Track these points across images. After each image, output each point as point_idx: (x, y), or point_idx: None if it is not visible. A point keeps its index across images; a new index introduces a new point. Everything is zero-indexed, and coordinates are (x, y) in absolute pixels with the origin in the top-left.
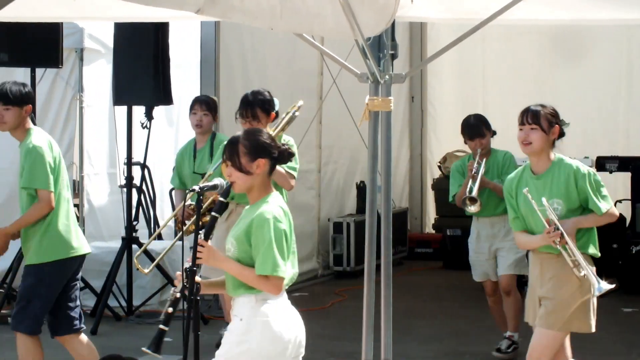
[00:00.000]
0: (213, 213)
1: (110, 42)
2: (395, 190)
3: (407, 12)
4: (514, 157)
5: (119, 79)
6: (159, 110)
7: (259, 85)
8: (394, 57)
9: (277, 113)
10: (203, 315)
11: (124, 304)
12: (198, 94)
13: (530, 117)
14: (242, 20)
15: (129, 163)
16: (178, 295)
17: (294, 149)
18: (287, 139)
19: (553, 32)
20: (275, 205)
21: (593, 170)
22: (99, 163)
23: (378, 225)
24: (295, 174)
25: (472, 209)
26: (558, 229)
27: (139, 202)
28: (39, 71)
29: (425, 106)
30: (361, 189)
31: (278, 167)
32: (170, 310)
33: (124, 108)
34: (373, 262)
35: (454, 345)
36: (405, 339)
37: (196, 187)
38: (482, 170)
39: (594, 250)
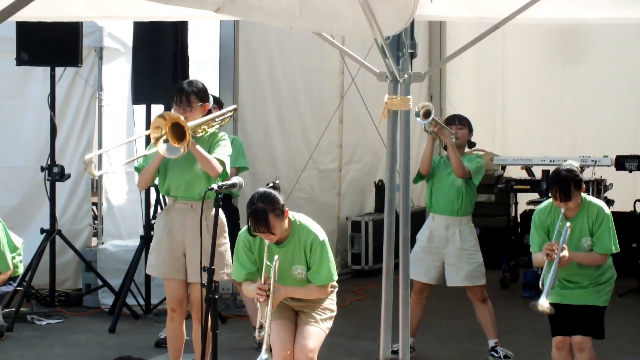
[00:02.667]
0: None
1: (129, 41)
2: (413, 189)
3: (426, 11)
4: None
5: (138, 77)
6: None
7: (285, 84)
8: (413, 56)
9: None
10: (221, 314)
11: (142, 302)
12: (217, 93)
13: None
14: (261, 19)
15: None
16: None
17: (228, 144)
18: (222, 134)
19: (572, 31)
20: None
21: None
22: (118, 162)
23: (396, 224)
24: (225, 160)
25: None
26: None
27: (157, 201)
28: (58, 70)
29: (444, 105)
30: (380, 187)
31: (205, 153)
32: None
33: (143, 107)
34: (391, 261)
35: (473, 344)
36: (424, 337)
37: (215, 186)
38: None
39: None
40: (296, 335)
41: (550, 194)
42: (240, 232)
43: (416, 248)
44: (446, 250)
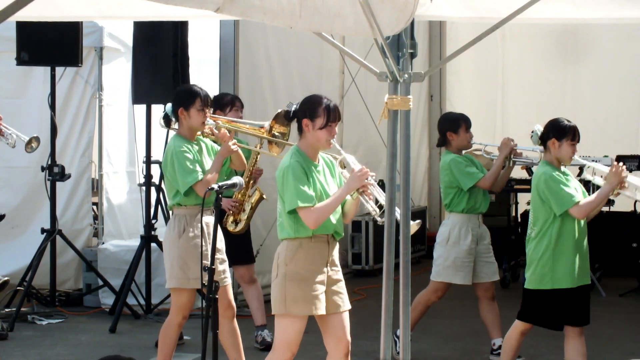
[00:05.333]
0: None
1: (129, 40)
2: (414, 189)
3: (426, 11)
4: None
5: (138, 77)
6: None
7: (285, 84)
8: (413, 56)
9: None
10: None
11: (142, 302)
12: (217, 92)
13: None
14: (261, 19)
15: (148, 161)
16: None
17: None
18: None
19: (573, 31)
20: None
21: None
22: (118, 161)
23: (397, 224)
24: None
25: None
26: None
27: (158, 201)
28: (58, 70)
29: (444, 105)
30: (380, 187)
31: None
32: None
33: (143, 107)
34: (392, 260)
35: (473, 344)
36: (425, 337)
37: (215, 186)
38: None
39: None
40: (332, 327)
41: (566, 136)
42: (289, 163)
43: (459, 253)
44: (478, 248)
